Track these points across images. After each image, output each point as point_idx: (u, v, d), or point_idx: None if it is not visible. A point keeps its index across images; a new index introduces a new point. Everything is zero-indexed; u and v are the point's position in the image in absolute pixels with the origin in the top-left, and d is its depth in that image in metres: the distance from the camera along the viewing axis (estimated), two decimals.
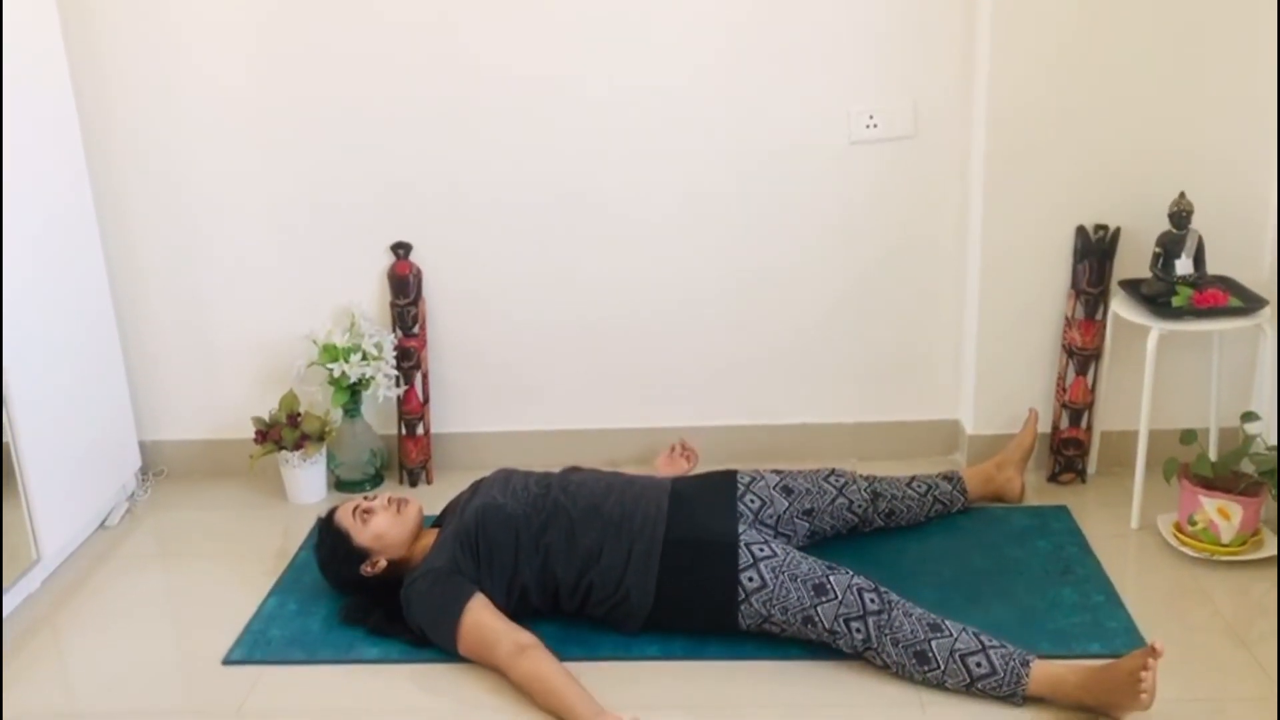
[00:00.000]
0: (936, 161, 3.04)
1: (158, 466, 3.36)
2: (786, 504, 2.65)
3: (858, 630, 2.28)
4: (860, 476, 2.80)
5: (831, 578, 2.33)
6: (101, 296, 3.13)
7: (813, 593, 2.31)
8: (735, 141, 3.05)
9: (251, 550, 2.94)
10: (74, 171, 3.02)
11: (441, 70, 3.02)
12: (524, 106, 3.04)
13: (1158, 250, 2.82)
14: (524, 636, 2.34)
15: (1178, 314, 2.72)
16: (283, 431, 3.12)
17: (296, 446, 3.12)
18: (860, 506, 2.75)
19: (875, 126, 3.01)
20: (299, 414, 3.15)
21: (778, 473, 2.73)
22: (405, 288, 3.15)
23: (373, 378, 3.11)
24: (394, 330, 3.18)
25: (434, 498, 2.88)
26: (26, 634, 2.63)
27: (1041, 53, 2.83)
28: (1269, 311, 2.74)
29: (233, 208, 3.17)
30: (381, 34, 3.00)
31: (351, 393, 3.15)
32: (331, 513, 2.62)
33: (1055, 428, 3.08)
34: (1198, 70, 2.83)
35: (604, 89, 3.03)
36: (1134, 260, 2.91)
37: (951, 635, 2.24)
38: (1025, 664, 2.19)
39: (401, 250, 3.16)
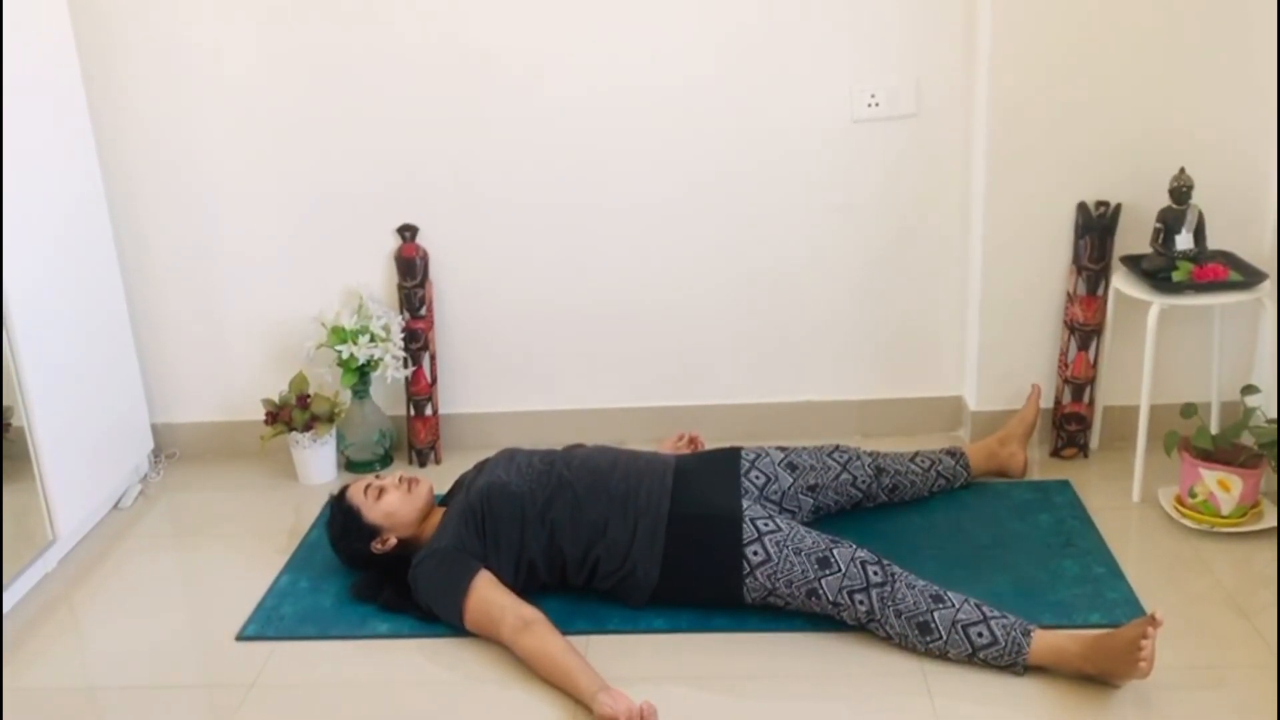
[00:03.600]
0: (939, 139, 3.05)
1: (170, 448, 3.40)
2: (791, 480, 2.68)
3: (861, 602, 2.31)
4: (864, 452, 2.83)
5: (835, 551, 2.36)
6: (113, 281, 3.16)
7: (817, 566, 2.35)
8: (738, 121, 3.07)
9: (263, 530, 2.98)
10: (85, 158, 3.05)
11: (449, 55, 3.04)
12: (530, 89, 3.06)
13: (1158, 226, 2.84)
14: (528, 612, 2.37)
15: (1178, 289, 2.74)
16: (293, 413, 3.16)
17: (306, 427, 3.16)
18: (864, 482, 2.78)
19: (877, 105, 3.03)
20: (308, 395, 3.19)
21: (782, 449, 2.76)
22: (412, 270, 3.18)
23: (381, 359, 3.14)
24: (401, 312, 3.22)
25: (442, 477, 2.92)
26: (44, 612, 2.67)
27: (1043, 30, 2.84)
28: (1269, 285, 2.76)
29: (241, 192, 3.20)
30: (389, 20, 3.02)
31: (360, 374, 3.19)
32: (343, 490, 2.65)
33: (1057, 403, 3.10)
34: (1198, 47, 2.84)
35: (609, 72, 3.05)
36: (1135, 236, 2.93)
37: (954, 606, 2.27)
38: (1026, 634, 2.22)
39: (408, 233, 3.19)
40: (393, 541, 2.58)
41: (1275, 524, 2.66)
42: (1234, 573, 2.54)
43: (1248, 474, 2.62)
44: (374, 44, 3.05)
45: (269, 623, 2.56)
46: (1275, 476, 2.68)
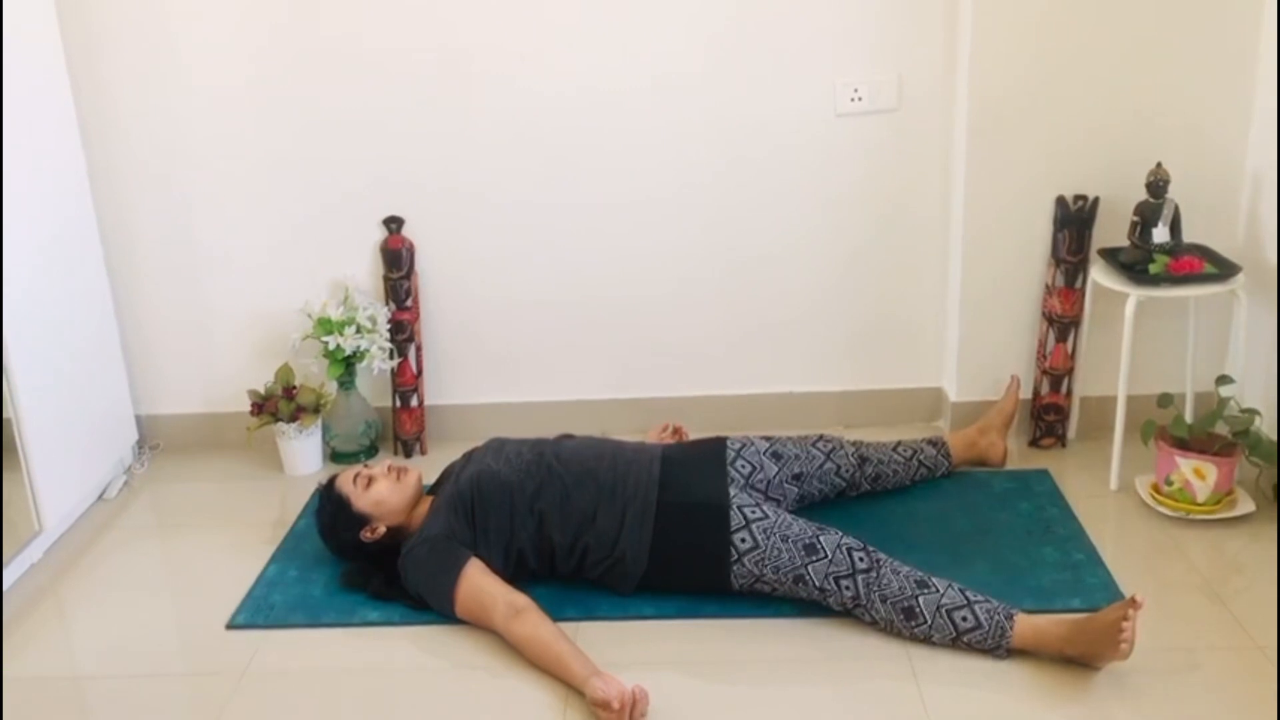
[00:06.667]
0: (920, 134, 3.09)
1: (154, 440, 3.39)
2: (776, 469, 2.71)
3: (847, 588, 2.35)
4: (848, 442, 2.87)
5: (821, 538, 2.40)
6: (98, 273, 3.16)
7: (803, 552, 2.38)
8: (721, 115, 3.10)
9: (250, 520, 2.98)
10: (69, 150, 3.05)
11: (434, 49, 3.05)
12: (515, 82, 3.08)
13: (1135, 219, 2.89)
14: (519, 599, 2.39)
15: (1155, 281, 2.79)
16: (279, 404, 3.16)
17: (292, 418, 3.16)
18: (848, 471, 2.81)
19: (860, 100, 3.06)
20: (294, 386, 3.19)
21: (767, 439, 2.79)
22: (398, 261, 3.19)
23: (367, 350, 3.15)
24: (387, 303, 3.23)
25: (428, 468, 2.93)
26: (30, 603, 2.67)
27: (1023, 26, 2.89)
28: (1243, 278, 2.81)
29: (227, 182, 3.20)
30: (375, 14, 3.03)
31: (346, 365, 3.19)
32: (332, 480, 2.67)
33: (1036, 394, 3.15)
34: (1174, 44, 2.89)
35: (592, 67, 3.07)
36: (1112, 229, 2.98)
37: (938, 591, 2.31)
38: (1009, 618, 2.26)
39: (394, 224, 3.20)
40: (382, 530, 2.60)
41: (1249, 511, 2.71)
42: (1209, 559, 2.59)
43: (1222, 462, 2.67)
44: (360, 38, 3.05)
45: (259, 611, 2.57)
46: (1250, 465, 2.74)
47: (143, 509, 3.11)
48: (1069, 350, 3.08)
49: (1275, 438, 2.79)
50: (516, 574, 2.51)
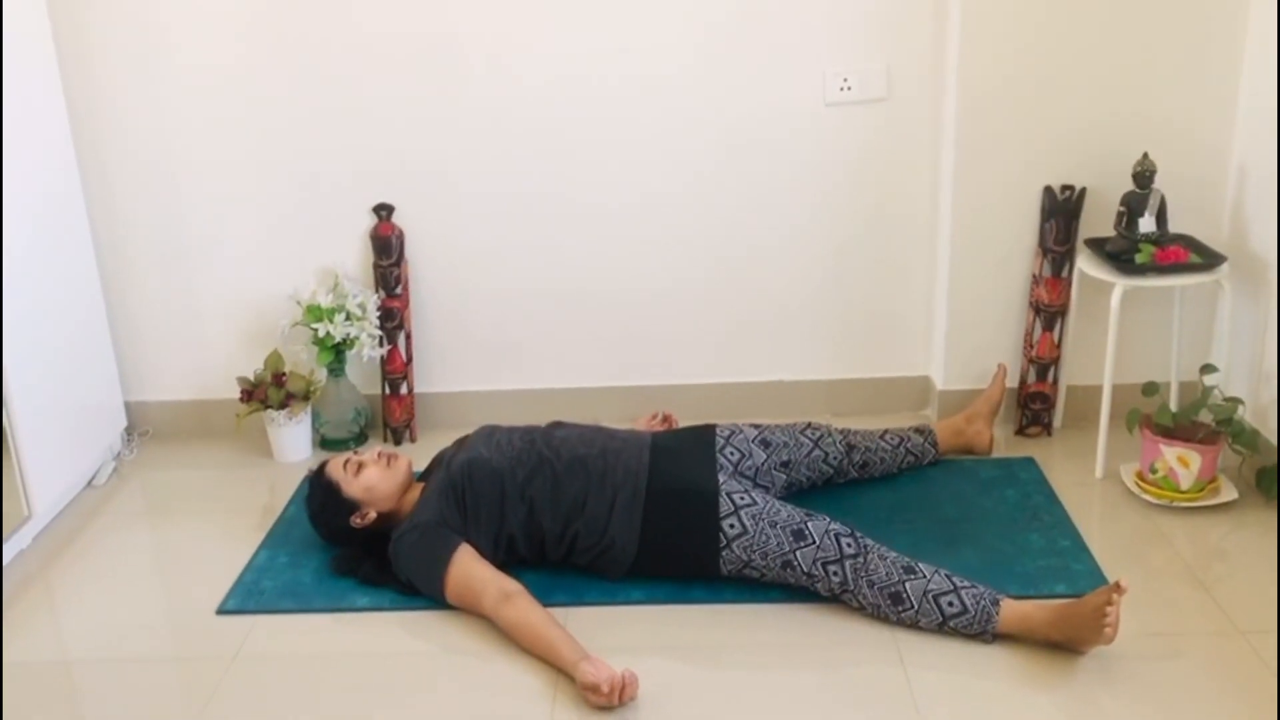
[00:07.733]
0: (909, 124, 3.10)
1: (143, 427, 3.39)
2: (764, 456, 2.73)
3: (835, 573, 2.36)
4: (835, 429, 2.89)
5: (809, 524, 2.41)
6: (87, 259, 3.15)
7: (792, 538, 2.40)
8: (711, 104, 3.11)
9: (239, 507, 2.99)
10: (58, 136, 3.04)
11: (426, 36, 3.05)
12: (505, 70, 3.08)
13: (1122, 209, 2.91)
14: (509, 584, 2.41)
15: (1141, 270, 2.81)
16: (268, 391, 3.16)
17: (282, 406, 3.17)
18: (835, 458, 2.83)
19: (849, 89, 3.07)
20: (284, 374, 3.19)
21: (756, 426, 2.80)
22: (388, 249, 3.20)
23: (357, 337, 3.16)
24: (377, 291, 3.23)
25: (418, 456, 2.94)
26: (20, 588, 2.67)
27: (1012, 16, 2.90)
28: (1228, 268, 2.84)
29: (216, 169, 3.19)
30: (366, 2, 3.03)
31: (336, 352, 3.20)
32: (322, 466, 2.67)
33: (1023, 382, 3.17)
34: (1161, 36, 2.91)
35: (584, 55, 3.07)
36: (1099, 219, 3.00)
37: (925, 577, 2.33)
38: (995, 603, 2.28)
39: (384, 211, 3.20)
40: (372, 516, 2.61)
41: (1232, 499, 2.74)
42: (1192, 546, 2.62)
43: (1206, 450, 2.70)
44: (351, 25, 3.05)
45: (249, 597, 2.57)
46: (1233, 453, 2.76)
47: (132, 495, 3.12)
48: (1055, 339, 3.10)
49: (1272, 426, 2.82)
50: (507, 560, 2.53)
